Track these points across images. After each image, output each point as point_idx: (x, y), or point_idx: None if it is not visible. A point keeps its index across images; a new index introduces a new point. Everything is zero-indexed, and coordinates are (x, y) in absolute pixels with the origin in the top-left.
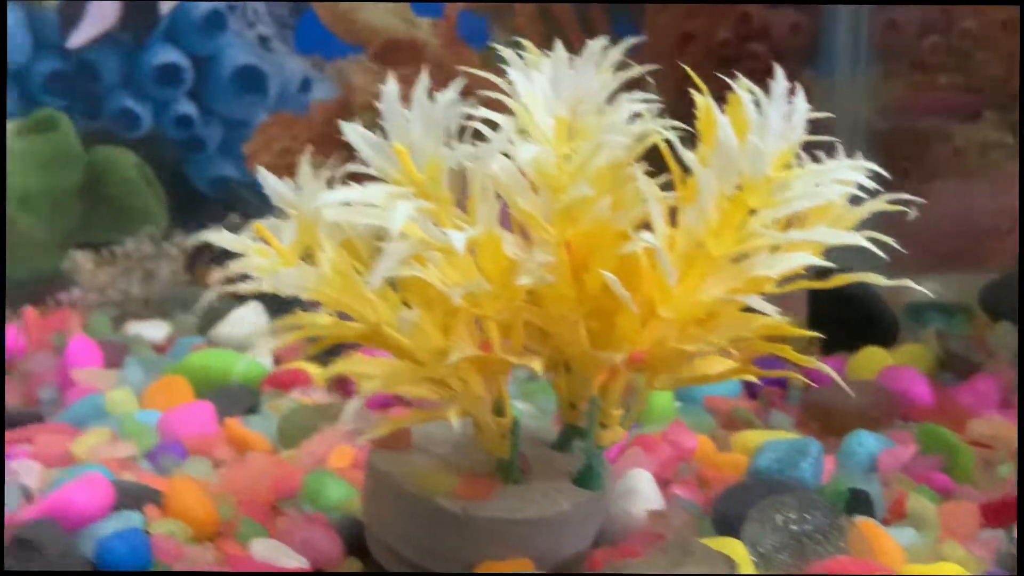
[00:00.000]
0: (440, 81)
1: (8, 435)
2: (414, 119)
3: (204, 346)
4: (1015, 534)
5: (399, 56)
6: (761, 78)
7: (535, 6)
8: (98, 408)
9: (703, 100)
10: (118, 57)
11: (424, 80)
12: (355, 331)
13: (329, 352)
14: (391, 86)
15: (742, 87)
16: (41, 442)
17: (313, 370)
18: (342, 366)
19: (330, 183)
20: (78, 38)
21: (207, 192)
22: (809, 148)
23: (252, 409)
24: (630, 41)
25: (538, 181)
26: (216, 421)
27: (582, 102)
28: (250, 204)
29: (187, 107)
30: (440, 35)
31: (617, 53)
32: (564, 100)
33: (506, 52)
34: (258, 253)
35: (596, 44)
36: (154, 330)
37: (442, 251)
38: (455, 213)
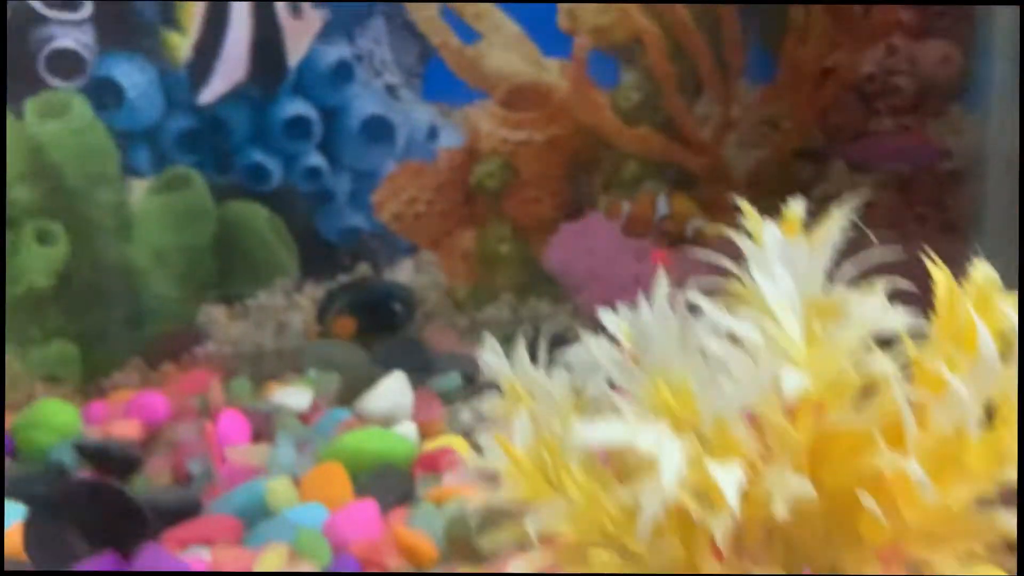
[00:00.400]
0: (569, 122)
1: (178, 532)
2: (664, 342)
3: (353, 421)
4: None
5: (527, 100)
6: (906, 114)
7: (667, 43)
8: (259, 499)
9: (944, 278)
10: (248, 112)
11: (663, 301)
12: (589, 538)
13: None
14: (647, 316)
15: (980, 265)
16: (219, 557)
17: (462, 447)
18: None
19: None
20: (208, 94)
21: (336, 242)
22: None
23: (407, 496)
24: (856, 203)
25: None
26: (380, 519)
27: (823, 294)
28: (379, 254)
29: (316, 159)
30: (569, 77)
31: (846, 225)
32: (805, 295)
33: (743, 243)
34: (511, 476)
35: (831, 226)
36: (297, 398)
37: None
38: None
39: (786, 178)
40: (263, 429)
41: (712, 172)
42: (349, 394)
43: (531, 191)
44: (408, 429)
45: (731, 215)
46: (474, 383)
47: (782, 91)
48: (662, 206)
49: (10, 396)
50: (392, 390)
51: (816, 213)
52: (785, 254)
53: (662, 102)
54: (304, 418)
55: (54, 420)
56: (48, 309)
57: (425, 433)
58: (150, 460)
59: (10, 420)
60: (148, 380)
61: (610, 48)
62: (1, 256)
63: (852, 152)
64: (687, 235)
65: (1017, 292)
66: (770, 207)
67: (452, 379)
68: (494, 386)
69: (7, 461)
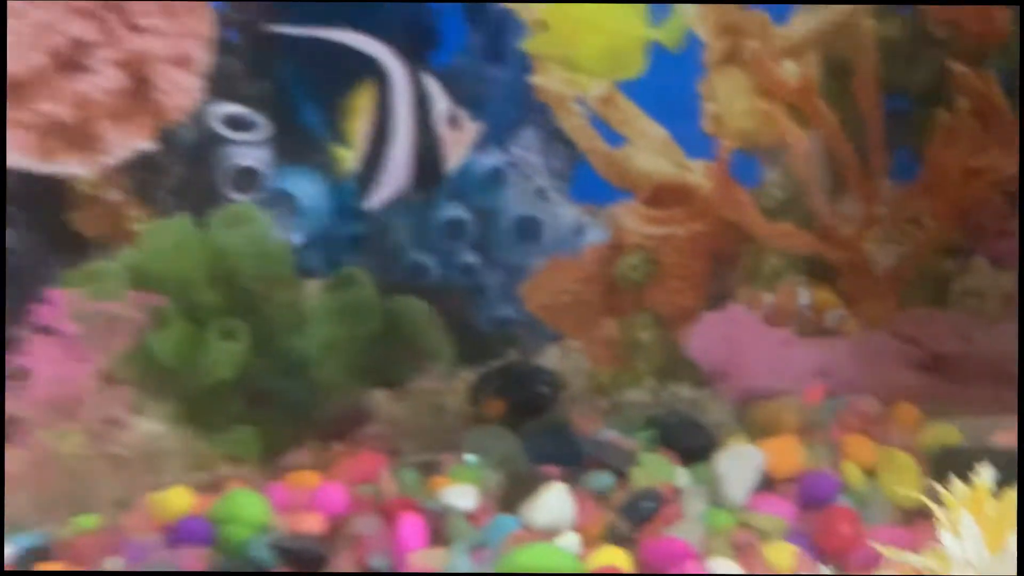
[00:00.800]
0: (711, 218)
1: None
2: None
3: (522, 534)
4: None
5: (671, 198)
6: None
7: (810, 143)
8: None
9: None
10: (409, 216)
11: None
12: None
13: (637, 525)
14: None
15: None
16: None
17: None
18: None
19: None
20: (374, 201)
21: (488, 331)
22: None
23: None
24: None
25: None
26: None
27: None
28: (527, 341)
29: (471, 256)
30: (713, 177)
31: None
32: None
33: (947, 542)
34: None
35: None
36: (465, 498)
37: None
38: None
39: (928, 273)
40: (438, 528)
41: (854, 266)
42: (509, 490)
43: (673, 283)
44: (571, 541)
45: (871, 307)
46: (625, 479)
47: (926, 190)
48: (804, 297)
49: (198, 475)
50: (555, 502)
51: (957, 305)
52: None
53: (805, 200)
54: (472, 519)
55: (246, 513)
56: (231, 398)
57: (586, 540)
58: (335, 554)
59: (204, 502)
60: (319, 458)
61: (753, 149)
62: (1, 260)
63: (996, 249)
64: (828, 325)
65: (1018, 293)
66: (912, 298)
67: (605, 478)
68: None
69: (207, 550)
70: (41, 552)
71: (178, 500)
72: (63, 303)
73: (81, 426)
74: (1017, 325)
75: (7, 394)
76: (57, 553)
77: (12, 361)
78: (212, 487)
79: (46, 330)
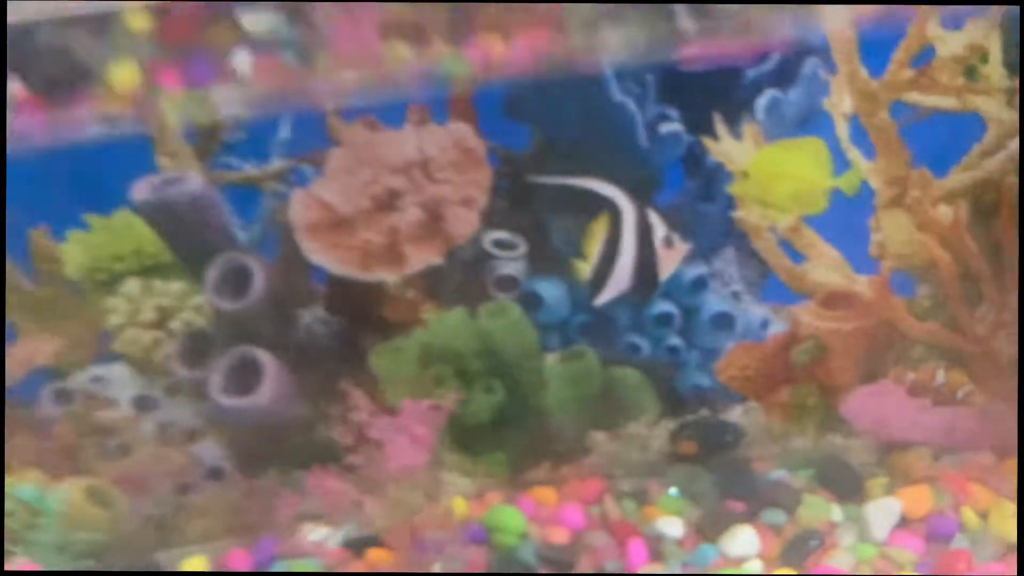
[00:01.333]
0: (870, 317)
1: None
2: None
3: (721, 562)
4: None
5: (838, 303)
6: None
7: (955, 263)
8: None
9: None
10: (629, 310)
11: None
12: None
13: (804, 557)
14: None
15: None
16: None
17: None
18: None
19: None
20: (601, 299)
21: (685, 395)
22: None
23: None
24: None
25: None
26: None
27: None
28: (716, 402)
29: (675, 340)
30: (875, 289)
31: None
32: None
33: None
34: None
35: None
36: (673, 528)
37: None
38: None
39: None
40: (654, 550)
41: (984, 357)
42: (706, 523)
43: (836, 363)
44: (756, 565)
45: (994, 386)
46: (793, 515)
47: None
48: (940, 377)
49: (464, 486)
50: (744, 537)
51: None
52: None
53: (949, 307)
54: (681, 544)
55: (510, 524)
56: (489, 433)
57: (766, 564)
58: (578, 559)
59: (474, 510)
60: (552, 477)
61: (909, 269)
62: (1, 259)
63: None
64: (958, 398)
65: (1018, 291)
66: None
67: (779, 515)
68: (814, 535)
69: (483, 549)
70: (365, 540)
71: (458, 507)
72: (413, 410)
73: (416, 483)
74: (1018, 325)
75: (366, 458)
76: (375, 542)
77: (367, 436)
78: (477, 497)
79: (402, 430)
